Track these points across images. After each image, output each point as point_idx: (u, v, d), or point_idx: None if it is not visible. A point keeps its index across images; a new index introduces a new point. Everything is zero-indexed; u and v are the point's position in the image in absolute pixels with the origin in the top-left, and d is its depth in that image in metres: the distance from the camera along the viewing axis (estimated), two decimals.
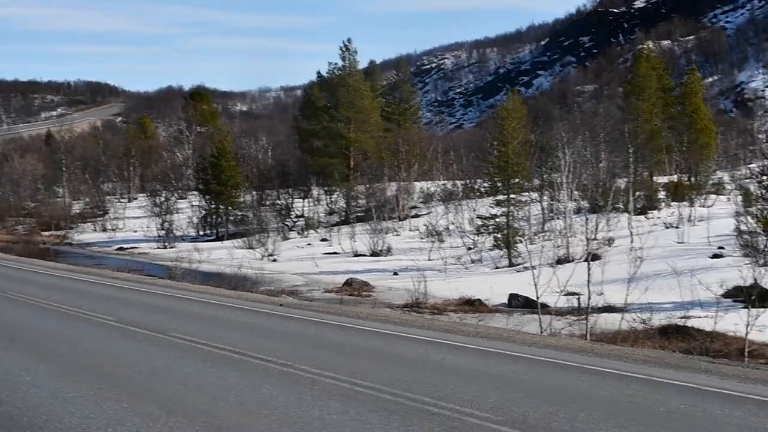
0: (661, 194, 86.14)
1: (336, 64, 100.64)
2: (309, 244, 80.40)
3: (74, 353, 22.06)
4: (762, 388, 16.66)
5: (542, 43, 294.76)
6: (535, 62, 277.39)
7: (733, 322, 31.11)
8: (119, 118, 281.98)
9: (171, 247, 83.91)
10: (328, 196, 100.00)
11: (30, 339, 24.39)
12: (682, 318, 36.50)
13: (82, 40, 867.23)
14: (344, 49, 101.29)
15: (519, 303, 42.79)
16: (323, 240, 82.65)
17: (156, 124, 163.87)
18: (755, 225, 54.04)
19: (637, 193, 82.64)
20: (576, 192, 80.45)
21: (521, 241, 65.55)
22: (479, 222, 71.06)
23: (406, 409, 14.98)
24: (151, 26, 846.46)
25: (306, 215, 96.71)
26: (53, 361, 20.77)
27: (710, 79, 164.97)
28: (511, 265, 62.39)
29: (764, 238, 52.56)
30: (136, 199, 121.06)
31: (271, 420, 14.47)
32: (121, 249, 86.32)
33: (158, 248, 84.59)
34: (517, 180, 71.67)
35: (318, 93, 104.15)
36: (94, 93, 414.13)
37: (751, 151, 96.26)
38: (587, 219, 64.81)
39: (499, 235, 65.95)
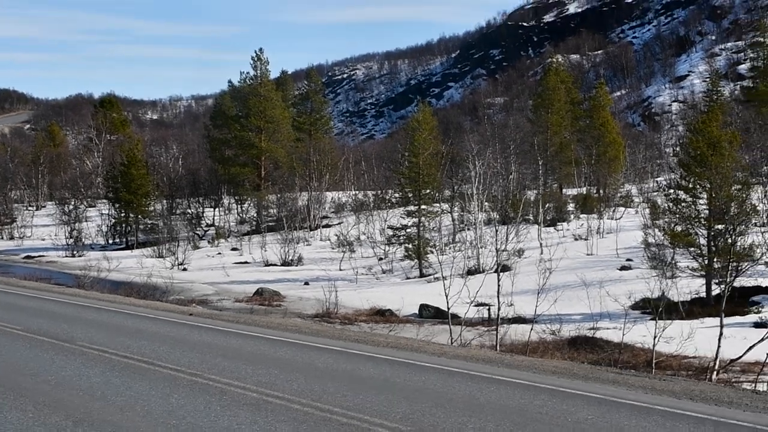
0: (570, 206, 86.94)
1: (248, 73, 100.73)
2: (220, 254, 79.88)
3: None
4: (668, 399, 16.99)
5: (453, 55, 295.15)
6: (446, 74, 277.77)
7: (641, 333, 32.07)
8: (27, 126, 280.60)
9: (80, 256, 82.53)
10: (239, 206, 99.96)
11: None
12: (590, 329, 37.29)
13: None
14: (256, 58, 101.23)
15: (429, 313, 43.11)
16: (234, 249, 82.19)
17: (65, 132, 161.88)
18: (662, 237, 54.92)
19: (547, 205, 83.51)
20: (486, 203, 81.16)
21: (432, 252, 66.14)
22: (390, 232, 71.52)
23: (315, 419, 15.15)
24: (60, 33, 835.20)
25: (217, 224, 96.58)
26: None
27: (618, 93, 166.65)
28: (422, 275, 62.69)
29: (671, 250, 53.51)
30: (44, 207, 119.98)
31: (179, 430, 14.63)
32: (28, 257, 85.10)
33: (67, 257, 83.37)
34: (428, 191, 72.18)
35: (229, 102, 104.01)
36: (1, 100, 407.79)
37: (659, 165, 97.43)
38: (497, 230, 65.60)
39: (410, 246, 66.33)
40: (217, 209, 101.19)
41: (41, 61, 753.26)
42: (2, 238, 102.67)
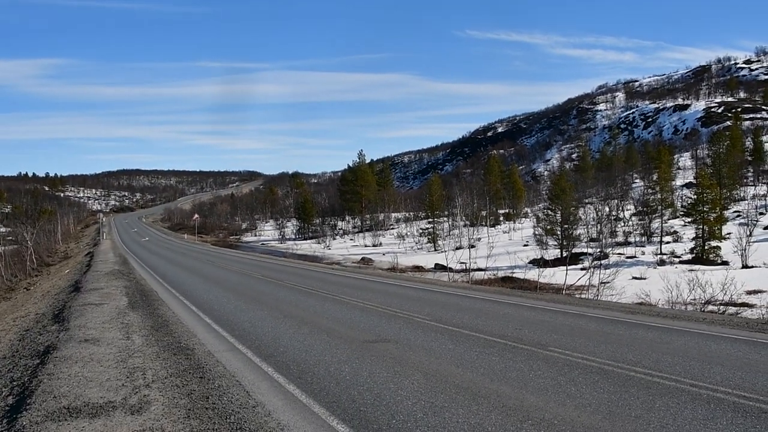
0: (501, 218, 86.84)
1: (355, 161, 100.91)
2: (344, 242, 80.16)
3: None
4: (545, 302, 16.54)
5: (447, 150, 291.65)
6: (445, 160, 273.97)
7: (533, 274, 32.59)
8: (261, 186, 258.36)
9: (284, 243, 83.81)
10: (353, 219, 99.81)
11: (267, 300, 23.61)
12: (510, 272, 37.80)
13: None
14: (359, 154, 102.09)
15: (439, 267, 41.59)
16: (351, 239, 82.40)
17: (278, 189, 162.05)
18: (542, 231, 55.02)
19: (490, 217, 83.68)
20: (464, 216, 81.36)
21: (439, 239, 66.76)
22: (421, 230, 72.02)
23: (383, 313, 14.39)
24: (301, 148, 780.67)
25: (343, 228, 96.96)
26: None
27: (521, 167, 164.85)
28: (435, 250, 61.68)
29: (545, 237, 53.57)
30: (269, 221, 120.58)
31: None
32: (263, 243, 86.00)
33: (278, 243, 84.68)
34: (436, 212, 72.78)
35: (348, 174, 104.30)
36: (251, 175, 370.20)
37: (539, 198, 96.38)
38: (469, 229, 66.09)
39: (429, 236, 66.87)
40: (343, 221, 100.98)
41: (271, 151, 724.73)
42: (251, 236, 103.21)
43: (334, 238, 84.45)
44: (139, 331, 11.38)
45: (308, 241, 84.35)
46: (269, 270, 29.75)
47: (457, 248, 55.47)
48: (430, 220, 71.79)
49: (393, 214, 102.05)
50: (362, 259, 51.84)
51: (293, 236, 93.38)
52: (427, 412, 6.33)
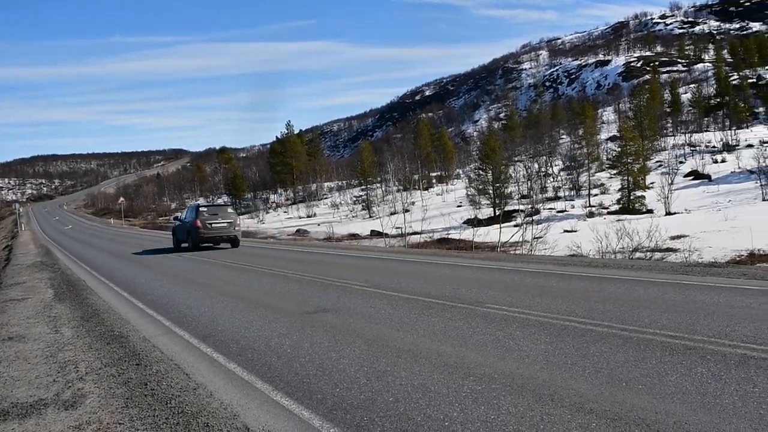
0: (434, 181, 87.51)
1: (284, 132, 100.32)
2: (278, 215, 79.56)
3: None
4: (480, 261, 16.86)
5: (377, 117, 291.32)
6: (375, 126, 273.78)
7: (468, 234, 32.96)
8: (188, 164, 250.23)
9: None
10: (284, 191, 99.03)
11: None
12: (445, 233, 38.17)
13: None
14: (287, 125, 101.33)
15: (375, 234, 41.70)
16: (285, 212, 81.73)
17: (206, 166, 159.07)
18: (474, 191, 55.67)
19: (423, 180, 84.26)
20: (396, 181, 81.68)
21: (374, 205, 66.91)
22: (355, 198, 72.09)
23: (321, 284, 14.52)
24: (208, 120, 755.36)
25: (275, 201, 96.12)
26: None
27: (450, 129, 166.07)
28: (370, 217, 61.55)
29: (478, 197, 54.26)
30: (198, 201, 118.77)
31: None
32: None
33: None
34: (369, 178, 72.83)
35: (277, 146, 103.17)
36: (176, 153, 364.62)
37: (470, 159, 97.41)
38: (402, 193, 66.36)
39: (363, 204, 66.94)
40: (275, 195, 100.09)
41: (196, 127, 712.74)
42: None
43: (267, 212, 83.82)
44: (69, 323, 11.03)
45: (241, 216, 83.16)
46: (200, 249, 29.26)
47: (392, 213, 55.68)
48: (364, 187, 72.02)
49: (326, 184, 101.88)
50: (297, 230, 51.55)
51: None
52: (370, 377, 6.37)
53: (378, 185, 79.90)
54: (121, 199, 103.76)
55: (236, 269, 18.60)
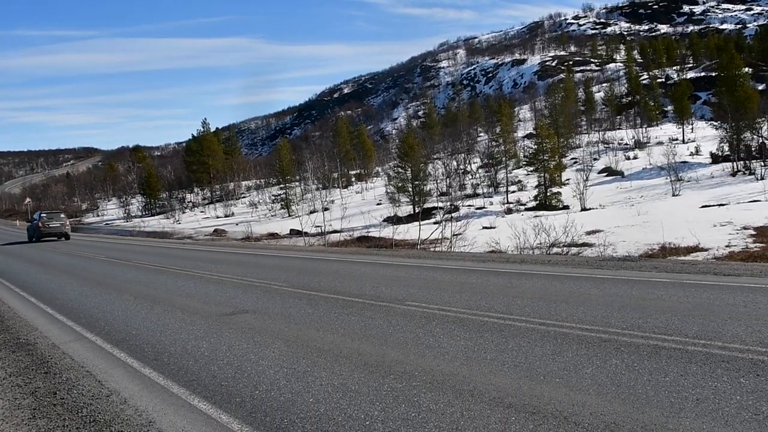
0: (353, 179, 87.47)
1: (200, 130, 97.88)
2: (195, 214, 78.03)
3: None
4: (401, 258, 17.13)
5: (294, 114, 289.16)
6: (293, 124, 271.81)
7: (388, 232, 33.05)
8: (100, 163, 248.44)
9: (130, 221, 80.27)
10: (202, 191, 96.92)
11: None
12: (365, 232, 38.16)
13: None
14: (203, 123, 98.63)
15: (294, 233, 40.79)
16: (202, 212, 79.89)
17: (119, 165, 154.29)
18: (394, 189, 55.91)
19: (342, 179, 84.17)
20: (315, 179, 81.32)
21: (293, 204, 66.43)
22: (273, 197, 71.46)
23: (239, 284, 14.57)
24: (113, 116, 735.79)
25: (192, 200, 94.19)
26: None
27: (370, 127, 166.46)
28: (289, 216, 61.22)
29: (398, 194, 54.54)
30: (111, 200, 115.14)
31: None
32: (107, 224, 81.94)
33: (125, 221, 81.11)
34: (287, 177, 72.30)
35: (193, 144, 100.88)
36: (87, 152, 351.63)
37: (389, 157, 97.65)
38: (322, 192, 66.19)
39: (282, 202, 66.39)
40: (191, 194, 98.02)
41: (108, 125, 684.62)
42: (93, 216, 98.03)
43: (184, 212, 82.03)
44: None
45: (156, 217, 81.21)
46: (116, 251, 28.45)
47: (312, 212, 55.29)
48: (282, 185, 71.30)
49: (243, 183, 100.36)
50: (215, 230, 50.56)
51: (140, 213, 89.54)
52: (290, 378, 6.32)
53: (297, 184, 79.34)
54: (28, 199, 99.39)
55: (152, 271, 18.13)
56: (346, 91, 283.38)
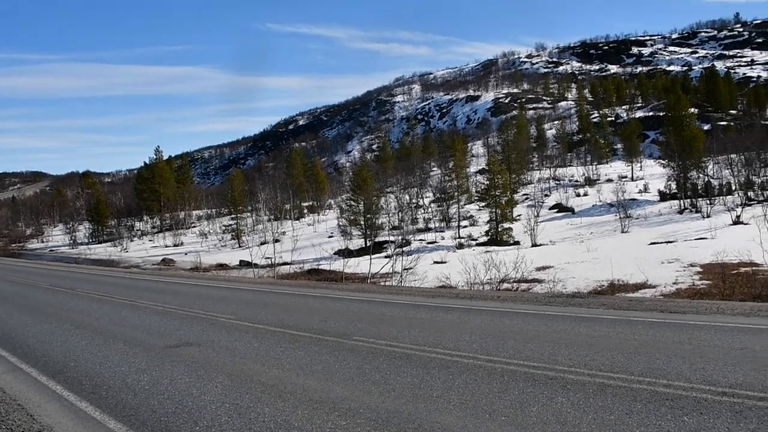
0: (305, 210, 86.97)
1: (152, 158, 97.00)
2: (143, 243, 76.65)
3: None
4: (349, 292, 17.08)
5: (249, 144, 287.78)
6: (247, 154, 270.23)
7: (339, 265, 32.95)
8: (48, 188, 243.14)
9: (76, 248, 78.54)
10: (152, 219, 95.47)
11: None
12: (316, 264, 37.95)
13: None
14: (156, 151, 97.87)
15: (244, 264, 40.23)
16: (150, 240, 78.72)
17: (67, 191, 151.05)
18: (346, 222, 55.78)
19: (295, 210, 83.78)
20: (267, 210, 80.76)
21: (244, 235, 65.79)
22: (224, 227, 70.65)
23: (185, 316, 14.43)
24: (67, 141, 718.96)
25: (141, 229, 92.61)
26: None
27: (323, 159, 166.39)
28: (240, 247, 60.64)
29: (350, 228, 54.40)
30: (57, 226, 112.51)
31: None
32: (51, 250, 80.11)
33: (70, 248, 79.19)
34: (239, 207, 71.71)
35: (144, 172, 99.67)
36: (35, 176, 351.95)
37: (343, 189, 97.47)
38: (273, 223, 65.75)
39: (233, 233, 65.71)
40: (141, 222, 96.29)
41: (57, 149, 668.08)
42: (37, 242, 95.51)
43: (132, 240, 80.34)
44: None
45: (103, 244, 79.38)
46: (59, 278, 27.73)
47: (262, 243, 54.84)
48: (233, 216, 70.57)
49: (194, 212, 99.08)
50: (163, 260, 49.75)
51: (86, 240, 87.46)
52: (232, 414, 6.20)
53: (248, 214, 78.64)
54: None
55: (95, 300, 17.71)
56: (301, 122, 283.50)
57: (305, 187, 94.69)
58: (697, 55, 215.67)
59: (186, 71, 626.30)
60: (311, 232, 64.89)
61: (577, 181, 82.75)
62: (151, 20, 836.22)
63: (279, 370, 7.87)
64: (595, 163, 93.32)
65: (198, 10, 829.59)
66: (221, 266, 41.91)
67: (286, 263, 35.97)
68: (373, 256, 32.45)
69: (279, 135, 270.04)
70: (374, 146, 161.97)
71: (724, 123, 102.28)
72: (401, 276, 26.12)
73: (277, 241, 46.64)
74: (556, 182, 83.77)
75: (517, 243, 46.46)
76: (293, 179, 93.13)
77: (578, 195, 71.04)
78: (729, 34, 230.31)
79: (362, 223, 53.40)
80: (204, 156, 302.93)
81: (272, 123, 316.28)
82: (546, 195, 72.75)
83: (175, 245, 68.52)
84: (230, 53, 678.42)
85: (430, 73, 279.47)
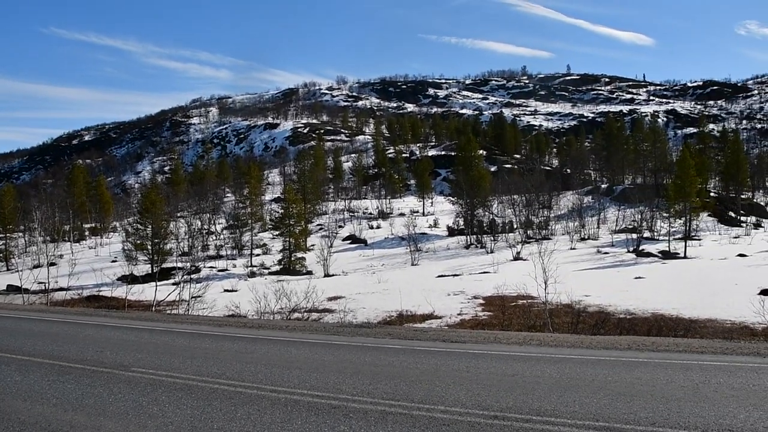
0: (87, 232, 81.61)
1: None
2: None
3: None
4: (130, 320, 16.05)
5: (25, 158, 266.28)
6: (22, 167, 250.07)
7: (121, 292, 31.13)
8: None
9: None
10: None
11: None
12: (96, 291, 35.73)
13: None
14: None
15: (12, 289, 36.43)
16: None
17: None
18: (132, 246, 52.99)
19: (75, 232, 78.44)
20: (43, 231, 74.92)
21: (14, 257, 60.51)
22: None
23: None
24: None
25: None
26: None
27: (110, 178, 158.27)
28: (8, 269, 55.27)
29: (136, 252, 51.76)
30: None
31: None
32: None
33: None
34: (9, 226, 65.92)
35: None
36: None
37: (130, 212, 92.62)
38: (49, 245, 61.08)
39: (1, 254, 60.24)
40: None
41: None
42: None
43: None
44: None
45: None
46: None
47: (36, 266, 50.87)
48: (2, 235, 64.74)
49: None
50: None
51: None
52: None
53: (20, 234, 72.56)
54: None
55: None
56: (87, 138, 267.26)
57: (88, 208, 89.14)
58: (487, 101, 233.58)
59: None
60: (93, 256, 61.26)
61: (371, 213, 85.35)
62: None
63: (44, 406, 7.27)
64: (389, 197, 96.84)
65: None
66: None
67: (62, 289, 33.70)
68: (159, 283, 31.26)
69: (61, 149, 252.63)
70: (166, 168, 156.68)
71: (509, 166, 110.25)
72: (189, 304, 25.40)
73: (52, 264, 43.39)
74: (351, 214, 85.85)
75: (310, 273, 46.86)
76: (75, 198, 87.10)
77: (372, 227, 73.19)
78: (516, 84, 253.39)
79: (149, 247, 51.22)
80: None
81: (53, 136, 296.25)
82: (340, 226, 74.26)
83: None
84: (5, 56, 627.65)
85: (229, 97, 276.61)
